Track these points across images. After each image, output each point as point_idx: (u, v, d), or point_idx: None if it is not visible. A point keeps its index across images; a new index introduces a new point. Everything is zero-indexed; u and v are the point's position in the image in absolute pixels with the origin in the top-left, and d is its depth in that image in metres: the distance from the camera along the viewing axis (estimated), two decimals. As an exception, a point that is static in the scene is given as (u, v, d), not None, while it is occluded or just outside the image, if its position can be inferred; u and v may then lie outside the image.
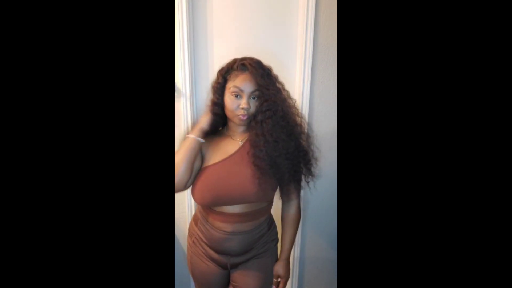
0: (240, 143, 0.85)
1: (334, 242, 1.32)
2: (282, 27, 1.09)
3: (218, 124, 0.90)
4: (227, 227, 0.84)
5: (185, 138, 0.84)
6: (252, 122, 0.81)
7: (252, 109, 0.80)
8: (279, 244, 0.96)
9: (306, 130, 0.88)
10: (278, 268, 0.93)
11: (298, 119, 0.85)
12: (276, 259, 0.95)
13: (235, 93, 0.80)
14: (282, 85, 0.85)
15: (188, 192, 1.18)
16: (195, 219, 0.95)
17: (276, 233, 0.97)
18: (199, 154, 0.84)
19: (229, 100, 0.81)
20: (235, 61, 0.83)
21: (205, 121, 0.85)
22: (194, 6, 1.06)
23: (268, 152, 0.78)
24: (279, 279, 0.94)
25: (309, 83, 1.11)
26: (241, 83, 0.79)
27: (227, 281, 0.94)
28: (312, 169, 0.88)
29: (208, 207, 0.86)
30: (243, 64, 0.81)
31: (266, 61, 0.83)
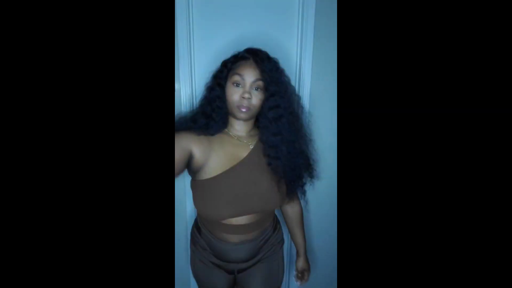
0: (251, 146, 0.78)
1: (334, 242, 1.32)
2: (282, 27, 1.09)
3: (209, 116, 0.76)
4: (233, 238, 0.81)
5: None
6: (264, 120, 0.74)
7: (255, 101, 0.71)
8: (284, 246, 0.98)
9: (307, 132, 0.86)
10: (301, 264, 0.97)
11: (303, 117, 0.82)
12: (282, 262, 0.95)
13: (236, 82, 0.71)
14: (289, 79, 0.79)
15: (188, 192, 1.18)
16: (197, 227, 0.90)
17: (282, 234, 0.96)
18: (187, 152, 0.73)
19: (229, 90, 0.72)
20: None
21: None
22: (194, 6, 1.06)
23: (286, 153, 0.74)
24: (302, 273, 0.98)
25: (309, 82, 1.11)
26: (243, 70, 0.71)
27: (233, 283, 0.93)
28: (314, 172, 0.87)
29: (217, 220, 0.79)
30: (247, 52, 0.74)
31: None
